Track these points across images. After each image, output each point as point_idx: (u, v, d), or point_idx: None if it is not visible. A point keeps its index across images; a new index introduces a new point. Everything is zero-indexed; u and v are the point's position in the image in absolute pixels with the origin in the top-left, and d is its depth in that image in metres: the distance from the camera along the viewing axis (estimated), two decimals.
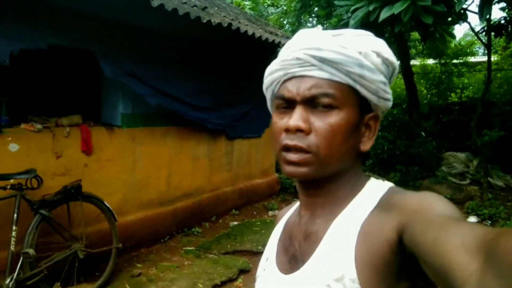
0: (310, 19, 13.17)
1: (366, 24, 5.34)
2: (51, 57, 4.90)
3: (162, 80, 4.48)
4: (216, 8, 5.55)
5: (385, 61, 0.73)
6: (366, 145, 0.75)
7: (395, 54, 0.77)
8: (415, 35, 10.26)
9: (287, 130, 0.70)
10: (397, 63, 0.75)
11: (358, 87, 0.70)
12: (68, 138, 3.75)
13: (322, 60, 0.69)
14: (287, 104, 0.73)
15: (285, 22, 13.24)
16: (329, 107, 0.69)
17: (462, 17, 6.26)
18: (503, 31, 6.60)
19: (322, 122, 0.69)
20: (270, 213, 6.08)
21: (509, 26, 6.41)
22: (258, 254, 4.56)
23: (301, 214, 0.80)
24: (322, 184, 0.74)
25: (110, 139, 4.14)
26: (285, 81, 0.74)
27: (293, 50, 0.72)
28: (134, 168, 4.40)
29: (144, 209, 4.51)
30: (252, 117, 6.06)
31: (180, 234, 4.92)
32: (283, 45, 5.92)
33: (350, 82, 0.69)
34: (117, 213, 3.78)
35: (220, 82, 5.43)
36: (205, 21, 4.21)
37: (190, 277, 3.82)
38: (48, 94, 5.27)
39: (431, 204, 0.60)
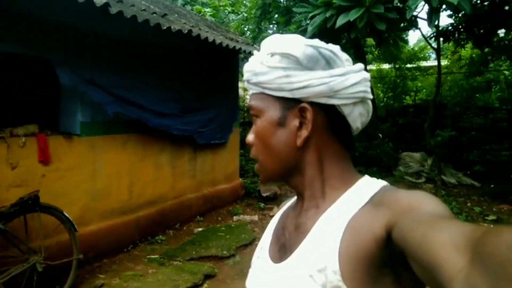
0: (271, 25, 13.37)
1: (324, 30, 5.51)
2: (4, 64, 4.73)
3: (124, 88, 4.44)
4: (176, 15, 5.56)
5: (282, 55, 0.74)
6: (299, 140, 0.75)
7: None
8: (371, 41, 10.64)
9: None
10: (300, 47, 0.73)
11: (266, 91, 0.76)
12: (24, 148, 3.64)
13: (246, 81, 0.80)
14: None
15: (246, 28, 13.38)
16: (255, 117, 0.79)
17: (413, 23, 6.59)
18: (451, 37, 6.98)
19: (254, 133, 0.80)
20: (235, 218, 6.10)
21: (456, 32, 6.79)
22: (224, 259, 4.58)
23: (295, 206, 0.84)
24: (289, 181, 0.81)
25: (69, 148, 4.05)
26: None
27: None
28: (95, 177, 4.32)
29: (106, 218, 4.43)
30: (219, 123, 6.11)
31: (143, 243, 4.86)
32: (243, 51, 6.00)
33: (260, 89, 0.77)
34: (77, 223, 3.69)
35: (184, 89, 5.44)
36: (164, 28, 4.22)
37: (155, 285, 3.79)
38: (1, 103, 5.07)
39: (421, 202, 0.61)
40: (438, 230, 0.49)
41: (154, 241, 4.94)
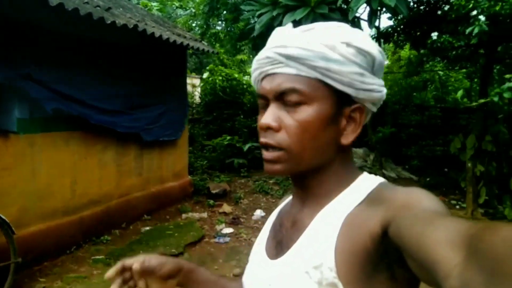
0: (219, 22, 13.32)
1: (271, 28, 5.61)
2: None
3: (65, 83, 4.25)
4: (121, 9, 5.40)
5: (360, 51, 0.70)
6: (347, 138, 0.74)
7: None
8: None
9: (261, 128, 0.73)
10: (377, 51, 0.72)
11: (328, 80, 0.69)
12: None
13: (288, 57, 0.70)
14: (265, 102, 0.75)
15: (194, 24, 13.23)
16: (298, 103, 0.70)
17: (356, 24, 6.85)
18: (391, 38, 7.35)
19: (291, 119, 0.70)
20: (184, 215, 6.06)
21: (395, 34, 7.16)
22: (172, 257, 4.54)
23: (292, 203, 0.83)
24: (306, 177, 0.76)
25: (5, 147, 3.82)
26: (262, 79, 0.75)
27: (266, 49, 0.74)
28: (34, 176, 4.11)
29: (46, 219, 4.23)
30: (168, 120, 6.01)
31: (88, 244, 4.70)
32: (191, 47, 5.94)
33: (319, 76, 0.69)
34: (15, 225, 3.50)
35: (131, 85, 5.30)
36: (108, 22, 4.10)
37: (100, 286, 3.68)
38: None
39: (418, 200, 0.61)
40: (434, 227, 0.49)
41: (99, 241, 4.79)
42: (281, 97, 0.71)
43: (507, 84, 2.44)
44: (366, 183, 0.73)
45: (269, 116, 0.71)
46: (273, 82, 0.72)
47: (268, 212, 6.42)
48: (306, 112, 0.69)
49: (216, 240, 5.23)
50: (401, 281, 0.63)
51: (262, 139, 0.72)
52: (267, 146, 0.72)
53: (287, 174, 0.75)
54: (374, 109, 0.76)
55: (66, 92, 4.26)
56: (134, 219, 5.54)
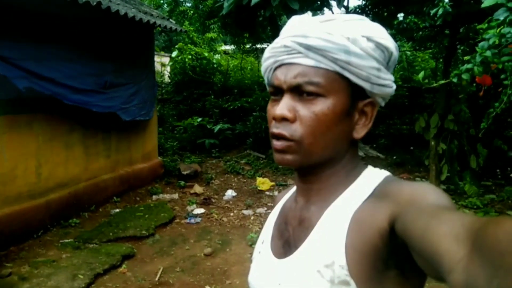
0: None
1: (241, 7, 5.53)
2: None
3: (36, 61, 4.11)
4: None
5: (379, 45, 0.70)
6: (359, 133, 0.74)
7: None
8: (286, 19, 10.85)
9: (275, 119, 0.71)
10: (394, 47, 0.72)
11: (346, 74, 0.68)
12: None
13: (308, 47, 0.68)
14: (277, 92, 0.73)
15: (162, 1, 12.87)
16: (315, 95, 0.68)
17: (325, 3, 6.88)
18: None
19: (307, 111, 0.69)
20: (154, 197, 6.03)
21: (364, 14, 7.21)
22: (143, 238, 4.55)
23: (296, 200, 0.81)
24: (315, 171, 0.74)
25: None
26: (276, 68, 0.73)
27: (282, 37, 0.72)
28: None
29: (11, 204, 4.13)
30: (140, 100, 5.93)
31: (56, 227, 4.63)
32: (158, 25, 5.79)
33: (338, 69, 0.68)
34: None
35: (102, 64, 5.17)
36: None
37: (69, 269, 3.66)
38: None
39: (424, 194, 0.61)
40: (439, 221, 0.50)
41: (68, 224, 4.73)
42: (297, 88, 0.69)
43: (465, 66, 2.52)
44: (371, 177, 0.73)
45: (285, 106, 0.69)
46: (289, 73, 0.70)
47: (239, 192, 6.48)
48: (323, 105, 0.68)
49: (187, 220, 5.25)
50: (410, 277, 0.64)
51: (275, 130, 0.71)
52: (279, 137, 0.70)
53: (297, 166, 0.74)
54: (383, 104, 0.76)
55: (38, 71, 4.12)
56: (103, 202, 5.48)
